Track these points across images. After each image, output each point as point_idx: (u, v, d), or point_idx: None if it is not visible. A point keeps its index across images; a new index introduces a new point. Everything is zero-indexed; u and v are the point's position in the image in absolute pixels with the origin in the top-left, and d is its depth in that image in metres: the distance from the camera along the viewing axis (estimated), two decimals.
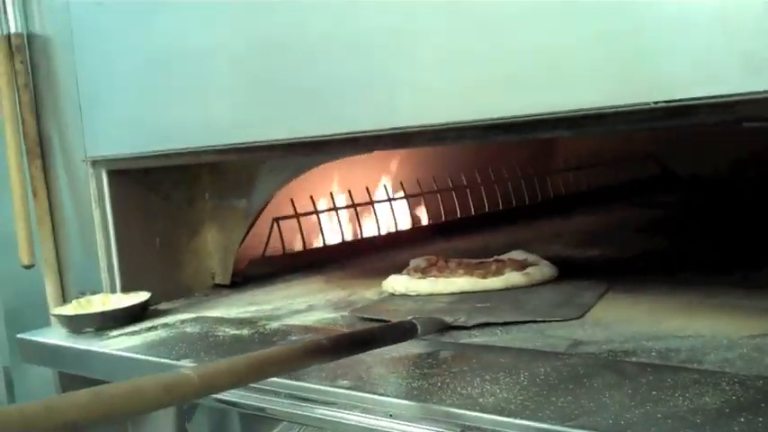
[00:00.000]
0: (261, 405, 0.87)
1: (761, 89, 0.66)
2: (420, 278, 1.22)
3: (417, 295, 1.19)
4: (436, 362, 0.86)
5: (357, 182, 1.72)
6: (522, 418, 0.68)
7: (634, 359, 0.81)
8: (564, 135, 0.80)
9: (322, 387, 0.82)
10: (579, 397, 0.71)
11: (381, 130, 0.92)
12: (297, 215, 1.58)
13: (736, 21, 0.66)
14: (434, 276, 1.22)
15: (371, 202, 1.72)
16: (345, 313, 1.14)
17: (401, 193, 1.80)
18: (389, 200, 1.76)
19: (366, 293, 1.27)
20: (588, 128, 0.78)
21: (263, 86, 1.02)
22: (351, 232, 1.69)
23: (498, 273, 1.20)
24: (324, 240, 1.62)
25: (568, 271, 1.24)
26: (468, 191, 1.90)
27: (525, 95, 0.80)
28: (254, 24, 1.00)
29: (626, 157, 2.38)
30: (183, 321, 1.18)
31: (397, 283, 1.23)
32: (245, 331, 1.09)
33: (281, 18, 0.97)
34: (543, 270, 1.21)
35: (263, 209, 1.40)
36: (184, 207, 1.39)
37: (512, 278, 1.18)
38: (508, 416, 0.69)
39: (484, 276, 1.19)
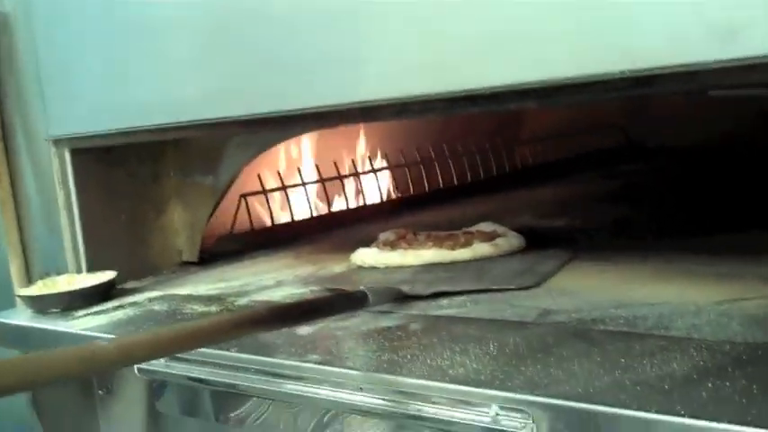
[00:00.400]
0: (231, 381, 0.86)
1: (726, 57, 0.66)
2: (389, 251, 1.23)
3: (386, 267, 1.20)
4: (406, 334, 0.86)
5: (325, 156, 1.71)
6: (491, 389, 0.69)
7: (602, 327, 0.82)
8: (531, 106, 0.79)
9: (291, 362, 0.82)
10: (548, 366, 0.72)
11: (347, 104, 0.91)
12: (264, 191, 1.57)
13: None
14: (403, 249, 1.23)
15: (340, 177, 1.72)
16: (315, 287, 1.14)
17: (369, 168, 1.79)
18: (357, 174, 1.75)
19: (335, 268, 1.26)
20: (556, 98, 0.78)
21: (228, 60, 1.00)
22: (319, 208, 1.69)
23: (467, 244, 1.21)
24: (292, 216, 1.61)
25: (537, 241, 1.24)
26: (435, 164, 1.90)
27: (491, 66, 0.79)
28: None
29: (592, 128, 2.39)
30: (150, 299, 1.17)
31: (365, 256, 1.24)
32: (212, 308, 1.08)
33: None
34: (511, 241, 1.22)
35: (230, 185, 1.39)
36: (149, 184, 1.37)
37: (480, 249, 1.20)
38: (477, 386, 0.69)
39: (452, 248, 1.20)
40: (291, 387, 0.81)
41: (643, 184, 1.96)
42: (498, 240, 1.22)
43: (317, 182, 1.68)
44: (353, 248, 1.29)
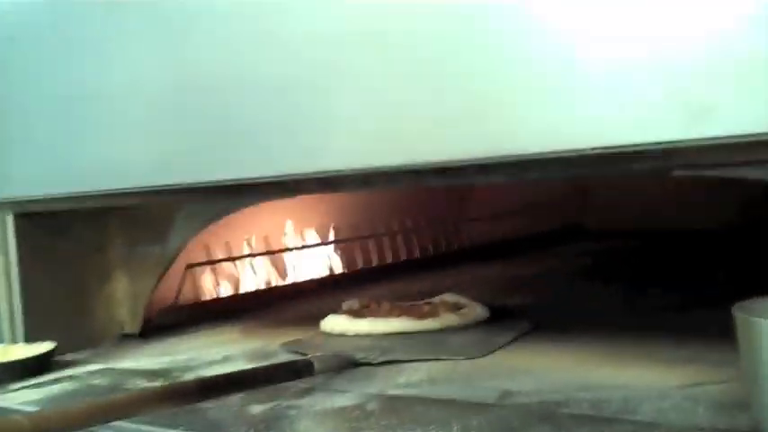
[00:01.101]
0: None
1: (700, 137, 0.66)
2: (359, 319, 1.25)
3: (356, 335, 1.22)
4: (364, 414, 0.83)
5: (272, 229, 1.68)
6: None
7: (567, 411, 0.80)
8: (499, 180, 0.78)
9: None
10: None
11: (308, 174, 0.89)
12: (210, 261, 1.53)
13: (675, 67, 0.66)
14: (373, 317, 1.25)
15: (288, 249, 1.69)
16: (264, 363, 1.10)
17: (318, 241, 1.77)
18: (305, 247, 1.73)
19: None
20: (525, 173, 0.77)
21: (184, 127, 0.98)
22: (266, 281, 1.65)
23: (433, 314, 1.24)
24: (238, 289, 1.57)
25: (497, 315, 1.26)
26: (384, 239, 1.88)
27: (460, 139, 0.78)
28: (175, 63, 0.96)
29: (538, 208, 2.40)
30: (90, 373, 1.12)
31: (336, 324, 1.26)
32: (157, 384, 1.03)
33: (203, 57, 0.93)
34: (477, 310, 1.26)
35: (177, 256, 1.35)
36: (94, 253, 1.33)
37: (447, 319, 1.22)
38: None
39: (421, 317, 1.23)
40: None
41: (593, 264, 1.96)
42: (464, 310, 1.25)
43: (265, 254, 1.64)
44: (302, 324, 1.28)
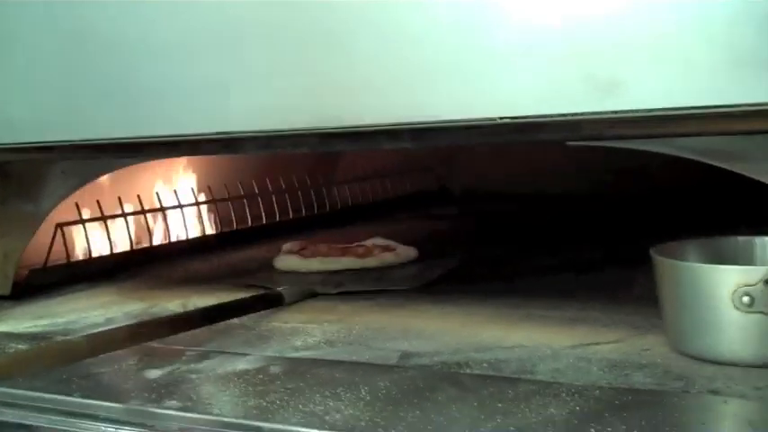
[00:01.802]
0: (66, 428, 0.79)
1: (605, 110, 0.69)
2: (308, 258, 1.44)
3: (307, 272, 1.40)
4: (268, 378, 0.82)
5: (144, 188, 1.64)
6: None
7: (468, 371, 0.82)
8: (408, 146, 0.79)
9: (148, 409, 0.76)
10: (427, 411, 0.71)
11: (208, 134, 0.87)
12: (82, 221, 1.47)
13: (581, 41, 0.68)
14: (322, 256, 1.44)
15: (162, 209, 1.64)
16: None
17: (191, 200, 1.73)
18: (180, 206, 1.69)
19: (168, 305, 1.20)
20: (433, 140, 0.78)
21: (72, 83, 0.93)
22: (137, 241, 1.60)
23: (369, 254, 1.44)
24: (112, 248, 1.52)
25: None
26: (259, 200, 1.86)
27: (367, 103, 0.79)
28: (65, 13, 0.91)
29: (404, 171, 2.43)
30: None
31: (289, 262, 1.45)
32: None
33: (97, 10, 0.89)
34: (409, 251, 1.47)
35: (48, 215, 1.30)
36: None
37: (385, 258, 1.44)
38: None
39: (362, 257, 1.43)
40: None
41: (465, 227, 2.00)
42: (398, 250, 1.46)
43: (137, 213, 1.60)
44: (181, 284, 1.32)
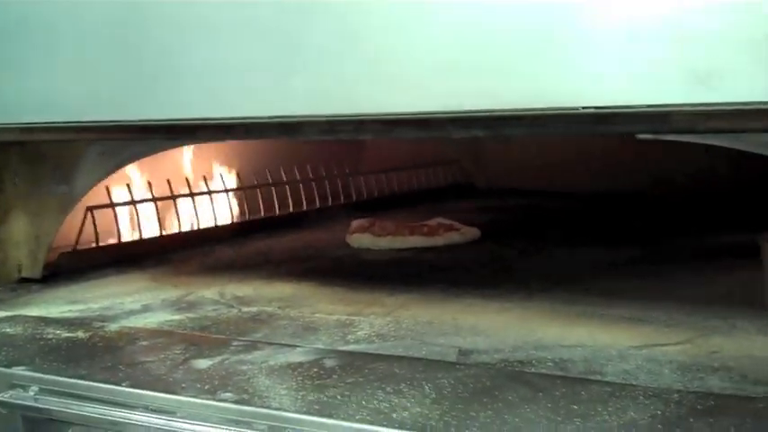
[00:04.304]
0: (126, 422, 0.76)
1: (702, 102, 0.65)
2: (379, 236, 1.52)
3: (378, 249, 1.49)
4: (325, 372, 0.79)
5: (174, 173, 1.60)
6: None
7: (533, 370, 0.79)
8: (480, 135, 0.75)
9: (202, 401, 0.73)
10: (499, 412, 0.67)
11: (265, 118, 0.84)
12: (112, 204, 1.44)
13: (682, 32, 0.65)
14: (391, 235, 1.52)
15: (191, 195, 1.61)
16: (191, 315, 1.05)
17: (221, 187, 1.70)
18: (209, 192, 1.65)
19: (206, 294, 1.17)
20: (508, 129, 0.75)
21: (117, 65, 0.90)
22: (168, 226, 1.57)
23: (435, 233, 1.52)
24: (141, 233, 1.49)
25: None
26: (287, 188, 1.83)
27: (438, 90, 0.75)
28: None
29: (431, 163, 2.40)
30: None
31: (362, 240, 1.53)
32: (79, 334, 0.96)
33: None
34: (473, 231, 1.56)
35: (82, 197, 1.26)
36: None
37: (452, 237, 1.52)
38: None
39: (429, 235, 1.51)
40: (200, 429, 0.72)
41: (496, 221, 1.96)
42: (463, 229, 1.55)
43: (167, 198, 1.56)
44: (213, 272, 1.29)
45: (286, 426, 0.69)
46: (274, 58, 0.82)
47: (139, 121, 0.89)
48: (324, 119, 0.81)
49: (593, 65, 0.69)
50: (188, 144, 1.18)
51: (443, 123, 0.77)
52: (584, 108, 0.70)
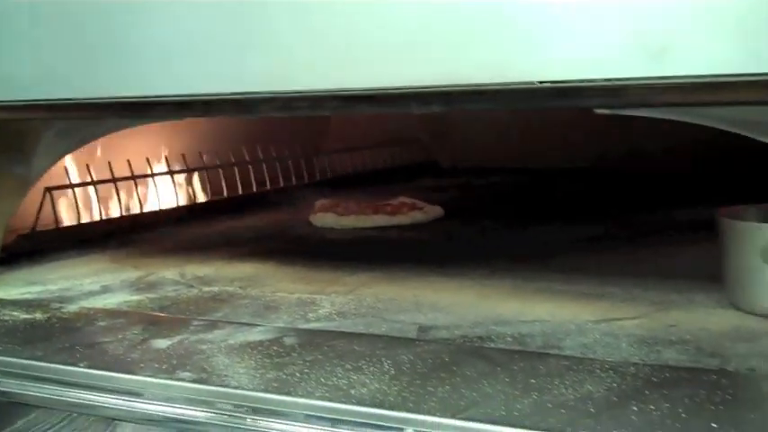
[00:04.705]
0: (84, 402, 0.75)
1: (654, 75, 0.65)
2: (343, 216, 1.51)
3: (342, 228, 1.49)
4: (284, 350, 0.79)
5: (133, 154, 1.59)
6: (406, 411, 0.64)
7: (492, 345, 0.79)
8: (438, 111, 0.75)
9: (160, 381, 0.73)
10: (457, 387, 0.68)
11: (222, 95, 0.83)
12: (72, 185, 1.43)
13: (638, 4, 0.65)
14: (355, 215, 1.52)
15: (152, 175, 1.60)
16: (150, 295, 1.04)
17: (179, 168, 1.68)
18: (171, 173, 1.64)
19: (166, 274, 1.16)
20: (466, 104, 0.75)
21: (70, 40, 0.88)
22: (127, 207, 1.56)
23: (400, 212, 1.52)
24: (101, 215, 1.47)
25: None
26: (249, 168, 1.82)
27: (396, 65, 0.75)
28: None
29: (394, 142, 2.39)
30: None
31: (326, 219, 1.52)
32: (37, 315, 0.95)
33: None
34: (436, 209, 1.56)
35: (39, 178, 1.25)
36: None
37: (416, 216, 1.53)
38: (390, 408, 0.64)
39: (393, 214, 1.52)
40: (159, 409, 0.72)
41: (459, 199, 1.97)
42: (426, 209, 1.55)
43: (127, 179, 1.55)
44: (175, 252, 1.29)
45: (244, 404, 0.69)
46: (229, 35, 0.80)
47: (94, 99, 0.87)
48: (280, 95, 0.80)
49: (550, 39, 0.68)
50: (144, 123, 1.16)
51: (402, 99, 0.76)
52: (541, 83, 0.69)
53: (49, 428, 0.79)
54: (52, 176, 1.35)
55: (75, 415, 0.78)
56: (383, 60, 0.75)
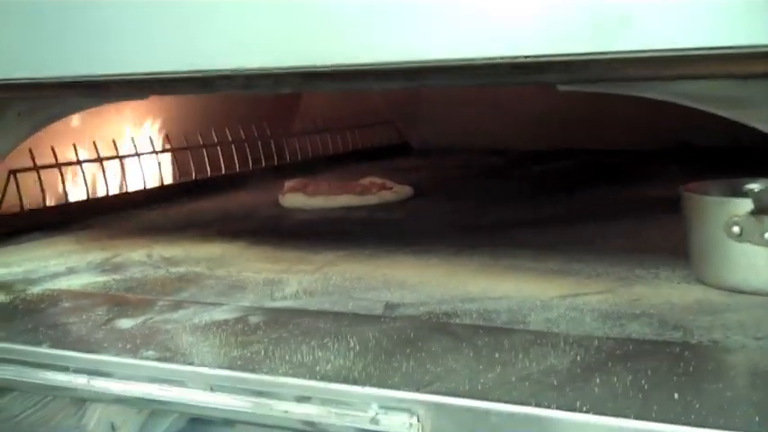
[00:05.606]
0: (47, 384, 0.74)
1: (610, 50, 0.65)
2: (312, 196, 1.51)
3: (311, 209, 1.48)
4: (249, 328, 0.79)
5: (102, 135, 1.57)
6: (370, 386, 0.64)
7: (458, 321, 0.79)
8: (399, 87, 0.75)
9: (124, 360, 0.72)
10: (422, 362, 0.68)
11: (181, 72, 0.82)
12: (36, 167, 1.41)
13: None
14: (324, 195, 1.51)
15: (119, 157, 1.58)
16: (117, 276, 1.03)
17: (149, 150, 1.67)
18: (138, 155, 1.62)
19: (133, 255, 1.15)
20: (427, 81, 0.74)
21: (34, 16, 0.87)
22: (93, 189, 1.54)
23: (368, 191, 1.52)
24: (67, 197, 1.46)
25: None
26: (218, 149, 1.80)
27: (356, 42, 0.74)
28: None
29: (365, 124, 2.38)
30: None
31: (295, 200, 1.52)
32: (0, 297, 0.94)
33: None
34: (405, 189, 1.56)
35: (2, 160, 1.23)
36: None
37: (385, 195, 1.53)
38: (355, 383, 0.64)
39: (362, 194, 1.51)
40: (124, 388, 0.72)
41: (429, 179, 1.97)
42: (396, 188, 1.55)
43: (93, 161, 1.53)
44: (142, 234, 1.28)
45: (208, 382, 0.68)
46: (187, 11, 0.80)
47: (51, 78, 0.86)
48: (240, 73, 0.80)
49: (510, 15, 0.68)
50: (105, 103, 1.14)
51: (363, 75, 0.76)
52: (501, 58, 0.69)
53: (21, 413, 0.79)
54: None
55: (48, 398, 0.79)
56: (343, 37, 0.74)
